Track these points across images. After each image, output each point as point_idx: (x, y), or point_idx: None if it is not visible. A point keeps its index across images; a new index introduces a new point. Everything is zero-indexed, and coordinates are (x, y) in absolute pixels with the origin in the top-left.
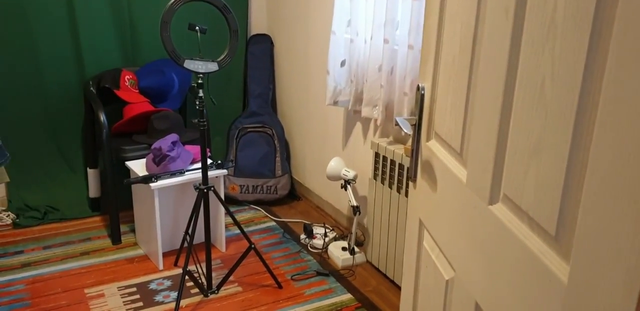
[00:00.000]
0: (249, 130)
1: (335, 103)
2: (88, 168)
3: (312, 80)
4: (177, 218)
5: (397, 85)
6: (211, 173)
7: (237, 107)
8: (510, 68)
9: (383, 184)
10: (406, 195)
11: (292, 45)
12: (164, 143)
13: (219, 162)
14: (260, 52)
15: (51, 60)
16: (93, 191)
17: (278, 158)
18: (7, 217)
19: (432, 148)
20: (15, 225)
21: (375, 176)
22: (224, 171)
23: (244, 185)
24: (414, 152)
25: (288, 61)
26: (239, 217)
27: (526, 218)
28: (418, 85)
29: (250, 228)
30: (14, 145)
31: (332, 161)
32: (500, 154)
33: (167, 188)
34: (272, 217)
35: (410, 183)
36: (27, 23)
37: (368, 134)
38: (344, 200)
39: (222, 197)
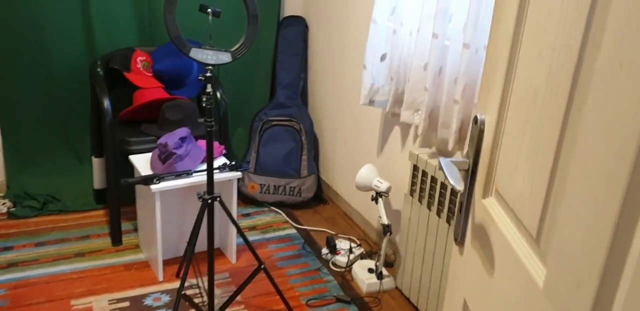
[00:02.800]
0: (274, 123)
1: (371, 103)
2: (93, 157)
3: (347, 72)
4: (182, 222)
5: (445, 90)
6: (223, 175)
7: (263, 97)
8: None
9: (420, 203)
10: (448, 221)
11: (328, 30)
12: (171, 138)
13: (233, 162)
14: (292, 35)
15: (58, 35)
16: (98, 182)
17: (305, 157)
18: (2, 205)
19: (491, 210)
20: (10, 215)
21: (412, 192)
22: (238, 174)
23: (264, 185)
24: (464, 208)
25: (323, 48)
26: (257, 220)
27: None
28: (476, 117)
29: (268, 236)
30: (17, 126)
31: (364, 168)
32: (613, 274)
33: (172, 190)
34: (293, 223)
35: (455, 246)
36: None
37: (407, 141)
38: (375, 211)
39: (234, 201)
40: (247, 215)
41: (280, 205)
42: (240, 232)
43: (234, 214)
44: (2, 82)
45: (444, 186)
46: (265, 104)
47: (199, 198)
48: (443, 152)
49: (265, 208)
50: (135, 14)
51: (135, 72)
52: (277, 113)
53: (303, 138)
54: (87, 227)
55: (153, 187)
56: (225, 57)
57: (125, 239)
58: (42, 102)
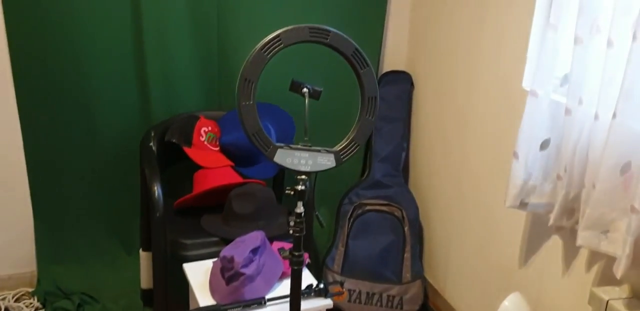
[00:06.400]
0: (368, 207)
1: (523, 206)
2: (141, 251)
3: (468, 146)
4: None
5: None
6: (305, 306)
7: (355, 172)
8: None
9: None
10: None
11: (443, 90)
12: (239, 250)
13: (320, 286)
14: (394, 96)
15: (107, 98)
16: (146, 280)
17: (407, 255)
18: (29, 306)
19: None
20: None
21: None
22: (328, 302)
23: (354, 291)
24: None
25: (434, 112)
26: None
27: None
28: None
29: None
30: (52, 206)
31: (508, 300)
32: None
33: None
34: None
35: None
36: (76, 45)
37: (575, 263)
38: None
39: None
40: None
41: None
42: None
43: None
44: (36, 152)
45: None
46: (357, 181)
47: None
48: None
49: None
50: (202, 72)
51: (198, 146)
52: (373, 194)
53: (406, 229)
54: None
55: None
56: (326, 161)
57: None
58: (83, 177)
